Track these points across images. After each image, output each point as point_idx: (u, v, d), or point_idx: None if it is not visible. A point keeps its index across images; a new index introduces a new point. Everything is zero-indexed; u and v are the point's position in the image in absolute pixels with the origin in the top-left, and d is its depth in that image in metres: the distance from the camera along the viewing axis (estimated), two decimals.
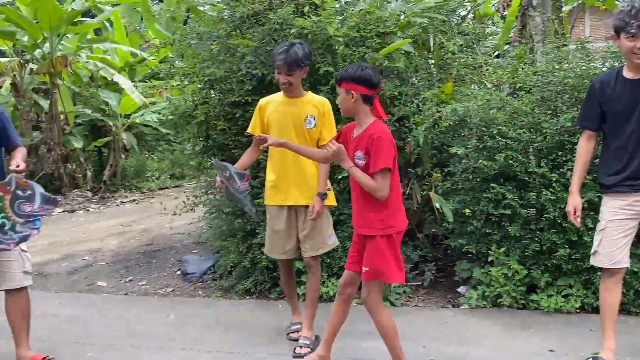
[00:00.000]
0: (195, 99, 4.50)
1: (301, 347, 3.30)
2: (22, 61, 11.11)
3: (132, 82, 11.81)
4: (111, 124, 11.57)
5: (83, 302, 4.48)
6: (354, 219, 2.91)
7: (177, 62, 4.86)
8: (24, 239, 2.92)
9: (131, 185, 11.59)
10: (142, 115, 11.60)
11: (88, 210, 9.77)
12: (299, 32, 3.99)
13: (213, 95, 4.37)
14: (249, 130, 3.51)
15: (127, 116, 11.95)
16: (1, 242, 2.87)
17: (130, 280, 5.14)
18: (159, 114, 11.49)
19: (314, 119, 3.33)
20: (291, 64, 3.16)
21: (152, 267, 5.56)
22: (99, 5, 11.87)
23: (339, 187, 4.15)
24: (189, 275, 4.99)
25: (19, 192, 2.87)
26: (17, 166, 2.93)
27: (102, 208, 9.93)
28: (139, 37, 13.88)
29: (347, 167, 2.72)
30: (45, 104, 11.34)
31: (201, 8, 6.09)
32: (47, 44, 10.74)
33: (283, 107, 3.36)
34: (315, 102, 3.37)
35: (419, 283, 4.39)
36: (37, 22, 10.25)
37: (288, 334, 3.55)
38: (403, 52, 4.42)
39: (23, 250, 3.13)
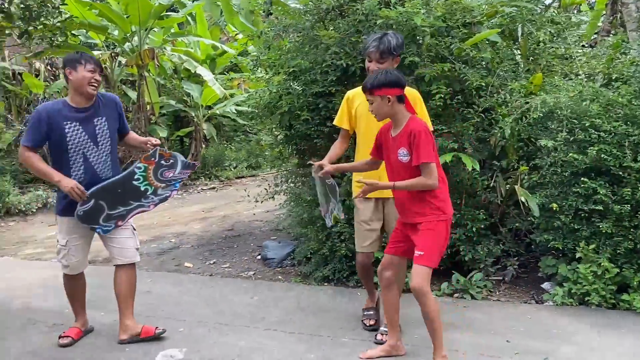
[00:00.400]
0: (280, 89, 4.62)
1: (382, 334, 3.34)
2: (112, 54, 11.80)
3: (213, 74, 12.23)
4: (193, 114, 12.06)
5: (172, 280, 4.75)
6: (400, 210, 3.00)
7: (262, 54, 4.99)
8: (164, 199, 3.42)
9: (210, 174, 12.04)
10: (223, 106, 11.98)
11: (172, 197, 10.25)
12: (385, 22, 4.00)
13: (297, 86, 4.48)
14: (335, 122, 3.54)
15: (208, 107, 12.40)
16: (142, 205, 3.35)
17: (214, 263, 5.38)
18: (238, 105, 11.86)
19: None
20: (384, 51, 3.17)
21: (233, 251, 5.79)
22: (183, 0, 12.38)
23: None
24: (268, 260, 5.16)
25: (162, 162, 3.34)
26: (157, 141, 3.38)
27: (184, 195, 10.39)
28: (219, 31, 14.35)
29: (390, 187, 2.88)
30: (133, 95, 12.00)
31: (285, 1, 6.22)
32: (136, 38, 11.34)
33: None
34: (408, 93, 3.36)
35: (501, 278, 4.31)
36: (127, 17, 10.84)
37: (362, 320, 3.61)
38: (489, 42, 4.33)
39: (134, 229, 3.47)
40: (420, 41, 4.13)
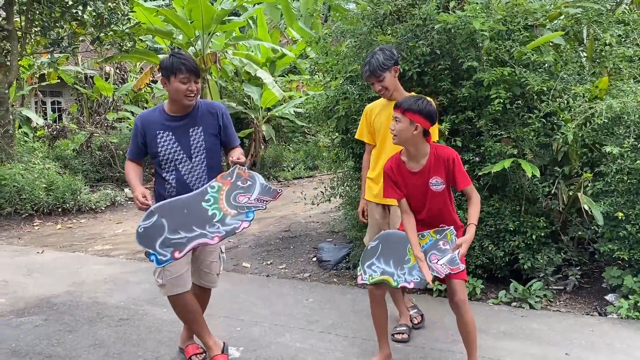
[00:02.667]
0: (337, 94, 4.68)
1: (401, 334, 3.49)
2: None
3: (272, 76, 12.47)
4: (253, 116, 12.32)
5: (231, 280, 4.90)
6: (426, 224, 2.91)
7: (320, 59, 5.07)
8: (231, 232, 2.77)
9: (269, 174, 12.27)
10: (282, 108, 12.19)
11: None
12: (443, 27, 3.97)
13: (354, 91, 4.51)
14: (357, 135, 3.62)
15: (268, 109, 12.64)
16: (206, 235, 2.76)
17: (270, 263, 5.51)
18: (297, 107, 12.03)
19: None
20: (375, 70, 3.24)
21: (289, 252, 5.89)
22: (244, 4, 12.69)
23: (479, 184, 4.09)
24: (324, 263, 5.22)
25: (239, 183, 2.82)
26: (238, 158, 2.89)
27: None
28: (279, 34, 14.61)
29: (473, 235, 2.75)
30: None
31: (345, 5, 6.27)
32: (199, 42, 11.72)
33: (387, 111, 3.39)
34: None
35: (561, 287, 4.18)
36: (191, 22, 11.23)
37: (393, 334, 3.51)
38: (552, 44, 4.22)
39: (222, 252, 3.19)
40: (480, 45, 4.07)
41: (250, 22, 13.93)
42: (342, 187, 5.25)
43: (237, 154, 2.96)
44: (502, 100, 3.90)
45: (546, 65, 4.14)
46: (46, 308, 4.22)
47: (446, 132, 3.99)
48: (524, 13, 4.15)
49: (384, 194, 2.95)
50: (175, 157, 2.96)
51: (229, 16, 12.31)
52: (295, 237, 6.58)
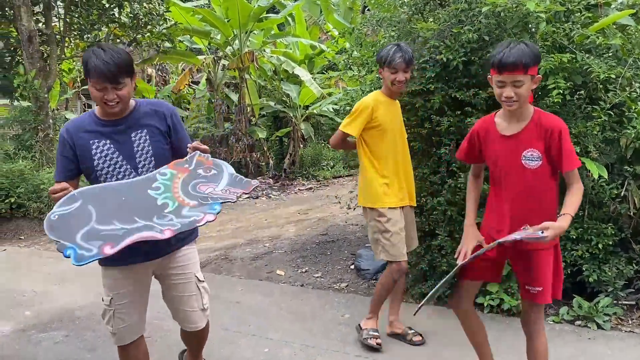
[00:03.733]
0: (373, 88, 4.28)
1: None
2: (215, 58, 12.10)
3: (311, 73, 12.16)
4: (291, 115, 12.05)
5: (263, 290, 4.59)
6: (508, 226, 2.32)
7: (354, 52, 4.69)
8: (190, 225, 2.19)
9: (308, 174, 11.97)
10: (319, 105, 11.87)
11: (270, 197, 10.29)
12: (491, 10, 3.52)
13: None
14: (353, 132, 3.30)
15: (306, 107, 12.34)
16: (152, 227, 2.14)
17: (305, 272, 5.17)
18: (335, 104, 11.67)
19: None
20: (409, 60, 3.21)
21: (326, 258, 5.54)
22: (282, 1, 12.42)
23: None
24: (362, 271, 4.84)
25: (200, 172, 2.31)
26: (199, 145, 2.39)
27: (282, 195, 10.38)
28: (318, 30, 14.28)
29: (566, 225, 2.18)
30: (234, 97, 12.23)
31: None
32: (237, 41, 11.52)
33: (389, 108, 3.31)
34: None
35: (633, 303, 3.66)
36: (228, 21, 11.03)
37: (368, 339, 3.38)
38: (619, 26, 3.69)
39: (200, 281, 2.57)
40: (534, 29, 3.60)
41: (289, 19, 13.68)
42: None
43: (195, 143, 2.40)
44: (561, 91, 3.41)
45: (612, 49, 3.62)
46: (69, 322, 4.02)
47: None
48: None
49: (457, 153, 2.60)
50: (117, 169, 2.34)
51: (266, 13, 12.06)
52: (333, 241, 6.22)
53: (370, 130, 3.28)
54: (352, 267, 5.08)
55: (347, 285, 4.67)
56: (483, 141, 2.41)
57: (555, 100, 3.41)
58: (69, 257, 2.02)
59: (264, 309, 4.13)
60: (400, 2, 4.38)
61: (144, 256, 2.40)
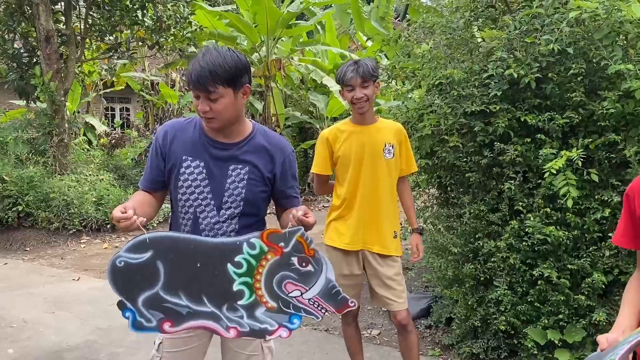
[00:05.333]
0: (421, 106, 3.64)
1: None
2: None
3: None
4: (318, 126, 11.47)
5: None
6: None
7: (398, 62, 4.04)
8: (259, 334, 1.77)
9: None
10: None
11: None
12: (577, 17, 2.86)
13: (443, 103, 3.45)
14: (318, 170, 2.89)
15: (334, 119, 11.73)
16: (219, 318, 1.75)
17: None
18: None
19: (392, 147, 2.80)
20: (365, 74, 2.70)
21: None
22: (312, 8, 11.87)
23: None
24: None
25: (294, 261, 1.72)
26: (306, 215, 1.74)
27: None
28: (348, 39, 13.70)
29: None
30: (259, 105, 11.69)
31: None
32: (264, 48, 11.00)
33: (356, 138, 2.80)
34: (392, 128, 2.88)
35: None
36: (255, 26, 10.51)
37: None
38: None
39: (265, 340, 2.00)
40: (629, 42, 2.92)
41: (319, 27, 13.13)
42: (425, 225, 4.17)
43: (303, 209, 1.77)
44: None
45: None
46: None
47: (579, 162, 2.85)
48: None
49: (614, 237, 1.63)
50: (199, 200, 1.92)
51: (295, 20, 11.52)
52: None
53: (337, 163, 2.85)
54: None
55: (379, 334, 4.02)
56: None
57: None
58: (126, 319, 1.75)
59: None
60: (455, 6, 3.74)
61: None
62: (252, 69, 11.37)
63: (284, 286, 1.72)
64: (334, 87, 10.65)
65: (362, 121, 2.81)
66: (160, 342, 2.01)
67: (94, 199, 7.83)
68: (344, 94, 2.81)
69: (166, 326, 1.75)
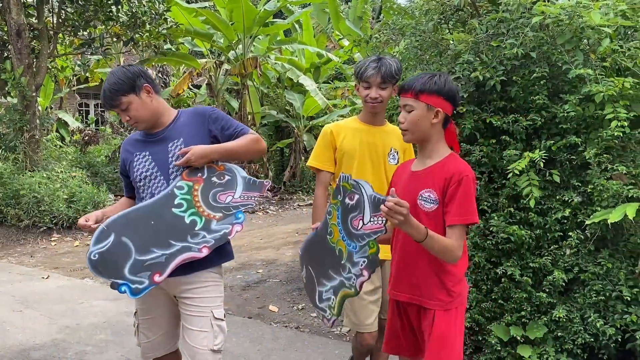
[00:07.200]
0: (392, 107, 3.70)
1: None
2: (217, 62, 11.52)
3: (316, 83, 11.59)
4: (294, 125, 11.50)
5: (251, 334, 3.97)
6: (397, 277, 2.06)
7: None
8: (222, 239, 2.15)
9: (308, 188, 11.39)
10: (325, 119, 11.28)
11: (267, 212, 9.69)
12: (540, 22, 2.94)
13: None
14: (315, 164, 2.71)
15: (310, 118, 11.78)
16: (190, 247, 2.12)
17: (302, 309, 4.57)
18: (342, 117, 11.09)
19: (397, 153, 2.68)
20: (386, 75, 2.54)
21: None
22: (289, 6, 11.87)
23: (583, 235, 3.01)
24: None
25: (214, 179, 2.21)
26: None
27: (280, 211, 9.79)
28: (325, 38, 13.73)
29: (421, 237, 1.79)
30: (235, 104, 11.66)
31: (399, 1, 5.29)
32: (240, 46, 10.97)
33: (361, 137, 2.64)
34: (398, 134, 2.47)
35: None
36: (232, 24, 10.47)
37: None
38: None
39: (216, 318, 2.21)
40: (590, 47, 3.02)
41: (296, 25, 13.13)
42: None
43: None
44: (620, 123, 2.82)
45: None
46: None
47: (541, 163, 2.93)
48: None
49: None
50: (152, 180, 2.26)
51: (272, 18, 11.51)
52: None
53: (341, 160, 2.67)
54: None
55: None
56: (398, 175, 2.16)
57: (614, 134, 2.82)
58: (124, 293, 2.09)
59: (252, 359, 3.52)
60: (426, 8, 3.80)
61: None
62: (229, 67, 11.34)
63: (218, 198, 2.19)
64: (310, 86, 10.69)
65: (372, 121, 2.67)
66: (136, 311, 2.37)
67: (65, 196, 7.72)
68: (358, 88, 2.64)
69: (156, 277, 2.10)
